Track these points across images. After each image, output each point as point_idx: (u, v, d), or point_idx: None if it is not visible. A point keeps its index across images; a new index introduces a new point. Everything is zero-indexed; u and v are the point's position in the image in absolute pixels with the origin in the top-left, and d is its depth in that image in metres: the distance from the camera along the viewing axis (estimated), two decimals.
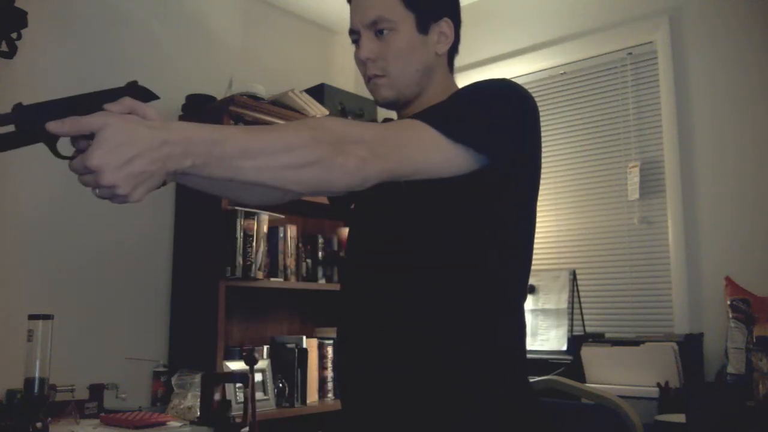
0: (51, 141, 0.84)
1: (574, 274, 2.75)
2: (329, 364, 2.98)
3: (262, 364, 2.72)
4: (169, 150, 0.81)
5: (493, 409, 1.10)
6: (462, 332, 1.09)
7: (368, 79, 1.23)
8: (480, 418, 1.09)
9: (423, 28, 1.20)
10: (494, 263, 1.13)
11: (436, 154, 1.03)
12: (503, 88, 1.12)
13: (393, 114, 1.30)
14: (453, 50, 1.28)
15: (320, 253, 3.12)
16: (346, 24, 1.27)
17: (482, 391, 1.10)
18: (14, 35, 2.28)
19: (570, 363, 2.50)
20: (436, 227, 1.11)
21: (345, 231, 3.17)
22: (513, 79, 1.25)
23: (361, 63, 1.22)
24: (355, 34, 1.22)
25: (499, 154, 1.08)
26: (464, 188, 1.08)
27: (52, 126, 0.81)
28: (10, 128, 0.84)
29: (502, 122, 1.08)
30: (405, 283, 1.12)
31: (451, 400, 1.08)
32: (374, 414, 1.13)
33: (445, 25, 1.22)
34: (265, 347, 2.86)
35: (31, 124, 0.82)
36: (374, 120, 3.21)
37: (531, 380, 1.29)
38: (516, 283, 1.18)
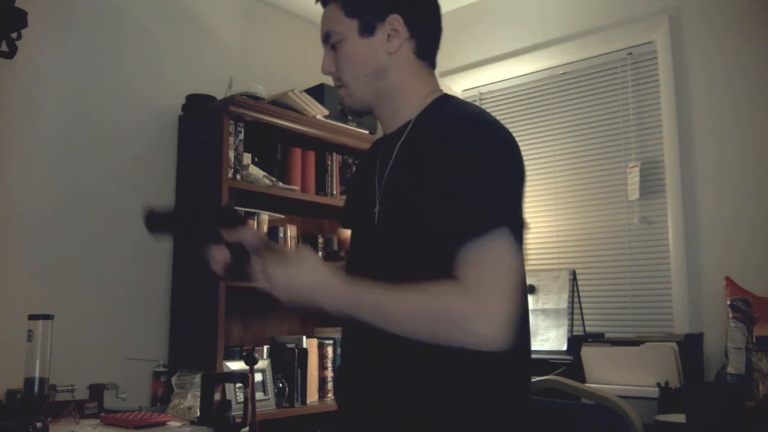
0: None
1: (574, 274, 2.75)
2: (329, 364, 2.98)
3: (262, 364, 2.72)
4: (322, 299, 1.08)
5: (498, 412, 1.10)
6: None
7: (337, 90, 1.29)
8: (485, 420, 1.09)
9: (366, 30, 1.20)
10: None
11: (512, 261, 1.04)
12: (490, 142, 1.11)
13: None
14: (423, 45, 1.24)
15: (320, 253, 3.12)
16: None
17: (487, 392, 1.10)
18: (14, 35, 2.28)
19: (570, 363, 2.50)
20: (430, 245, 1.10)
21: (345, 231, 3.17)
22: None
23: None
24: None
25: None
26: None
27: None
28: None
29: (506, 184, 1.09)
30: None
31: (456, 403, 1.08)
32: (376, 415, 1.14)
33: (395, 22, 1.21)
34: (265, 347, 2.86)
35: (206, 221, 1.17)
36: (374, 121, 3.20)
37: (531, 380, 1.29)
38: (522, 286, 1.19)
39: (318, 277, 1.07)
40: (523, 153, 1.16)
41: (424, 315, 1.03)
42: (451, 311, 1.01)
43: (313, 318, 3.24)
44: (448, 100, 1.24)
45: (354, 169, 3.25)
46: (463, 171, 1.07)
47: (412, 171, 1.15)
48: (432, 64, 1.28)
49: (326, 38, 1.24)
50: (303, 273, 1.08)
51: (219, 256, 1.16)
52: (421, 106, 1.22)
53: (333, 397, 2.95)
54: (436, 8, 1.27)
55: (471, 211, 1.05)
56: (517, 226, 1.07)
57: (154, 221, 1.13)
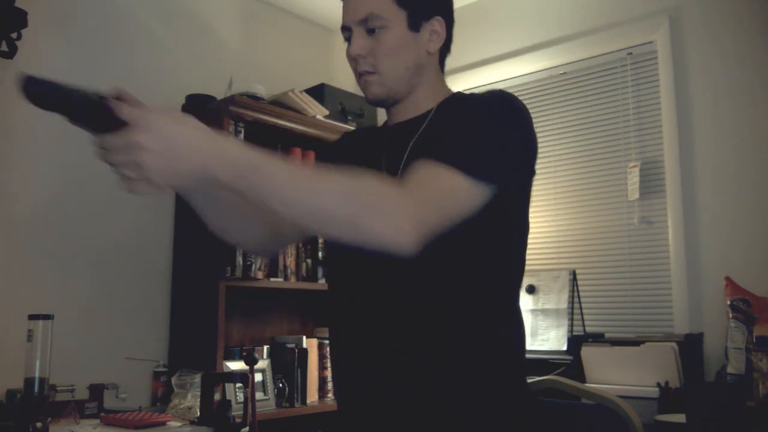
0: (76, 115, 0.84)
1: (574, 274, 2.75)
2: (329, 364, 2.98)
3: (262, 364, 2.72)
4: (216, 161, 0.86)
5: (498, 412, 1.10)
6: (464, 333, 1.09)
7: (359, 76, 1.23)
8: (486, 420, 1.09)
9: (414, 25, 1.19)
10: (494, 267, 1.13)
11: (465, 200, 1.04)
12: (503, 107, 1.13)
13: (382, 111, 1.31)
14: (445, 50, 1.27)
15: (320, 253, 3.12)
16: None
17: (487, 391, 1.10)
18: (14, 35, 2.28)
19: (570, 363, 2.49)
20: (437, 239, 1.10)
21: None
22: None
23: (352, 60, 1.22)
24: (347, 31, 1.22)
25: (509, 181, 1.10)
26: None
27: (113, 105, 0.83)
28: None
29: (509, 149, 1.10)
30: (405, 283, 1.12)
31: (456, 403, 1.08)
32: (376, 415, 1.13)
33: (437, 24, 1.22)
34: (265, 347, 2.86)
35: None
36: (375, 121, 3.21)
37: (531, 380, 1.30)
38: (514, 285, 1.19)
39: (210, 133, 0.87)
40: None
41: (346, 191, 0.94)
42: (377, 195, 0.96)
43: (313, 318, 3.24)
44: (464, 93, 1.28)
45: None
46: (469, 123, 1.10)
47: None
48: (443, 71, 1.31)
49: (365, 21, 1.17)
50: (191, 126, 0.86)
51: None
52: (437, 101, 1.24)
53: (333, 397, 2.95)
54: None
55: (458, 148, 1.06)
56: (500, 185, 1.07)
57: (35, 90, 0.85)
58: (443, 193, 1.02)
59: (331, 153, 1.43)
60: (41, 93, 0.84)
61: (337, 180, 0.94)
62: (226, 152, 0.86)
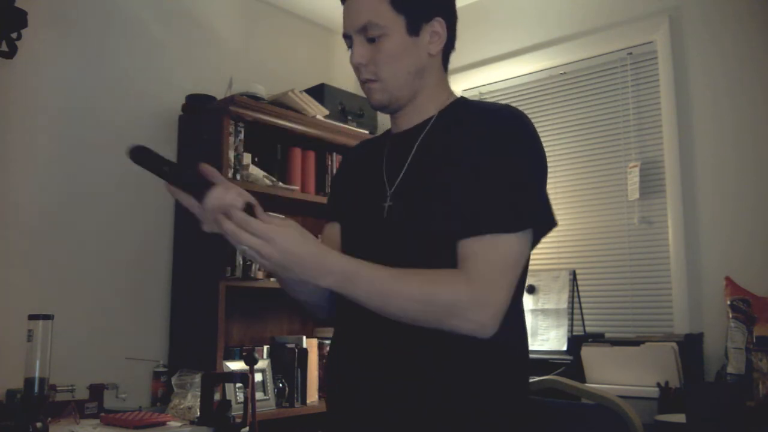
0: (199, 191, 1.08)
1: (574, 274, 2.75)
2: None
3: (262, 364, 2.72)
4: (320, 272, 1.03)
5: (498, 412, 1.10)
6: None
7: (362, 83, 1.24)
8: (486, 420, 1.09)
9: (414, 30, 1.19)
10: None
11: (521, 256, 1.11)
12: (521, 137, 1.15)
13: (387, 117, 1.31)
14: (448, 48, 1.27)
15: None
16: None
17: (487, 392, 1.10)
18: (14, 35, 2.28)
19: (570, 363, 2.49)
20: (449, 240, 1.11)
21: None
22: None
23: (355, 68, 1.22)
24: (348, 38, 1.23)
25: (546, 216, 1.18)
26: None
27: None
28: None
29: (534, 181, 1.16)
30: None
31: (456, 403, 1.08)
32: (376, 415, 1.13)
33: (437, 25, 1.21)
34: (265, 347, 2.86)
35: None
36: (375, 121, 3.21)
37: (531, 380, 1.30)
38: (517, 286, 1.19)
39: (314, 245, 1.03)
40: None
41: (425, 301, 1.05)
42: (453, 300, 1.05)
43: (313, 318, 3.23)
44: (467, 100, 1.28)
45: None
46: (501, 169, 1.12)
47: (436, 168, 1.16)
48: (447, 69, 1.30)
49: (363, 29, 1.18)
50: (301, 240, 1.02)
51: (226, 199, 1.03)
52: (440, 106, 1.25)
53: (326, 397, 2.94)
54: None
55: (504, 208, 1.10)
56: (542, 227, 1.15)
57: (143, 158, 1.04)
58: (502, 266, 1.08)
59: (344, 165, 1.46)
60: (145, 159, 1.04)
61: (418, 288, 1.05)
62: (330, 265, 1.03)
